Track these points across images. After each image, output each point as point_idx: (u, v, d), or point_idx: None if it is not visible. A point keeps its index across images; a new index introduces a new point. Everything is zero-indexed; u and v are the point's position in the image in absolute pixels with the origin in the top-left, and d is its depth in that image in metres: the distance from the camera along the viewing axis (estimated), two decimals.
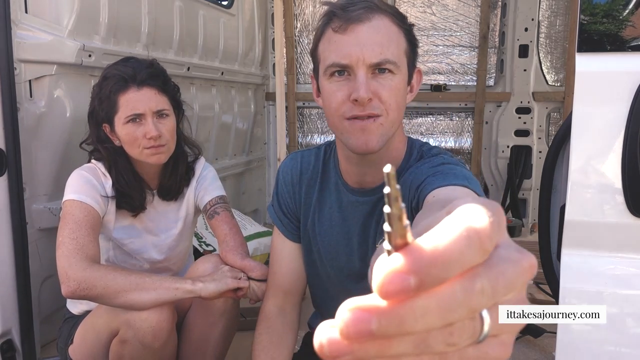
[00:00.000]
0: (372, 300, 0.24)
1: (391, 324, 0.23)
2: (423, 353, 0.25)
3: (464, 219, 0.25)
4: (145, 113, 1.32)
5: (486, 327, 0.26)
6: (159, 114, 1.35)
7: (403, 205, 0.25)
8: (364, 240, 1.03)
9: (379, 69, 0.89)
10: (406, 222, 0.25)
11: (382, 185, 0.87)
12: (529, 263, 0.27)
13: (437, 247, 0.24)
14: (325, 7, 0.94)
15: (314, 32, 3.51)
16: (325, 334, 0.25)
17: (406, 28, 0.93)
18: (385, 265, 0.24)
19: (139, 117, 1.32)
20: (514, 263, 0.26)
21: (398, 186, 0.25)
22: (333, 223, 1.07)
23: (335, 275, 1.11)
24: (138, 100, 1.31)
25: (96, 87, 1.37)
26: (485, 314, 0.26)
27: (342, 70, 0.90)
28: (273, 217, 1.18)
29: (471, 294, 0.24)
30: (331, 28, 0.90)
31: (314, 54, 0.97)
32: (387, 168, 0.25)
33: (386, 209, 0.25)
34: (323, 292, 1.18)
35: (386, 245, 0.25)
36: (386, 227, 0.25)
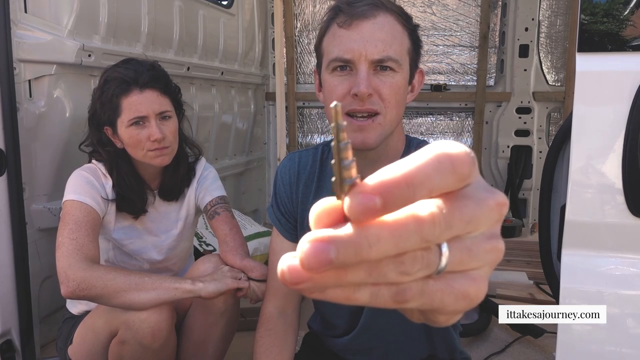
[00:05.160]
0: (329, 231, 0.25)
1: (348, 252, 0.24)
2: (378, 282, 0.26)
3: (436, 148, 0.26)
4: (149, 115, 1.32)
5: (444, 260, 0.26)
6: (162, 116, 1.35)
7: (348, 141, 0.26)
8: None
9: (380, 66, 0.90)
10: (351, 157, 0.26)
11: None
12: (496, 202, 0.27)
13: (402, 169, 0.25)
14: (332, 2, 0.95)
15: (314, 31, 3.50)
16: (287, 262, 0.26)
17: (410, 28, 0.95)
18: (355, 190, 0.25)
19: (142, 119, 1.32)
20: (477, 200, 0.26)
21: (345, 122, 0.26)
22: None
23: None
24: (141, 102, 1.31)
25: (97, 90, 1.36)
26: (445, 247, 0.26)
27: (345, 65, 0.91)
28: (272, 217, 1.18)
29: (422, 223, 0.25)
30: (336, 23, 0.91)
31: (318, 48, 0.98)
32: (334, 104, 0.26)
33: (333, 143, 0.26)
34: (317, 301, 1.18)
35: (333, 179, 0.26)
36: (332, 161, 0.26)
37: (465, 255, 0.27)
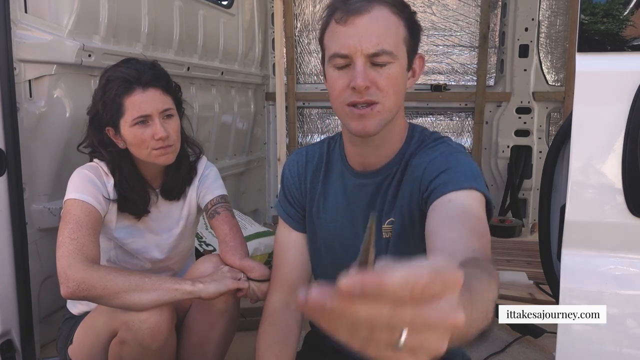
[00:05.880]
0: (331, 291, 0.36)
1: (334, 310, 0.36)
2: (354, 334, 0.37)
3: (415, 270, 0.34)
4: (152, 114, 1.32)
5: (402, 341, 0.36)
6: (165, 115, 1.35)
7: (373, 247, 0.42)
8: (366, 224, 1.04)
9: (376, 58, 0.93)
10: (373, 254, 0.41)
11: (385, 167, 0.96)
12: (453, 322, 0.35)
13: (381, 277, 0.34)
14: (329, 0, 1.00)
15: (314, 31, 3.60)
16: (311, 291, 0.37)
17: (406, 16, 0.98)
18: (350, 275, 0.36)
19: (146, 118, 1.32)
20: (440, 314, 0.35)
21: (373, 238, 0.42)
22: (338, 209, 1.11)
23: (339, 263, 1.13)
24: (144, 101, 1.31)
25: (99, 91, 1.35)
26: (404, 333, 0.35)
27: (344, 60, 0.95)
28: (279, 210, 1.21)
29: (394, 316, 0.35)
30: (334, 19, 0.96)
31: (321, 43, 1.03)
32: (371, 218, 0.42)
33: (363, 246, 0.41)
34: (328, 283, 1.18)
35: (357, 262, 0.40)
36: (360, 252, 0.41)
37: (417, 343, 0.36)
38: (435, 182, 0.94)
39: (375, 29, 0.92)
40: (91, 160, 1.42)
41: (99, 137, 1.39)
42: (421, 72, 1.05)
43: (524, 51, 3.43)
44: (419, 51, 1.04)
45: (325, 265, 1.17)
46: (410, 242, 1.02)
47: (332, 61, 0.96)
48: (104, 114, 1.34)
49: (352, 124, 0.97)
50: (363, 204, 1.08)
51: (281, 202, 1.21)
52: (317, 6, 3.69)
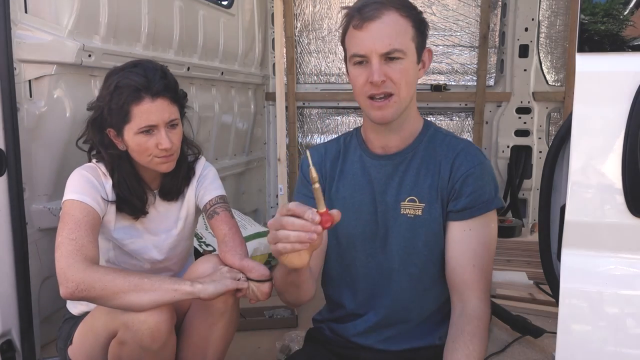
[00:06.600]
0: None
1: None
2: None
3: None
4: (159, 124, 1.32)
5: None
6: (171, 124, 1.35)
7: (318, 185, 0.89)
8: (383, 199, 1.20)
9: (389, 56, 1.09)
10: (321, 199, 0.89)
11: (403, 151, 1.23)
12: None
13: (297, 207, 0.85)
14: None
15: (314, 31, 3.73)
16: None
17: (413, 17, 1.13)
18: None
19: (151, 128, 1.32)
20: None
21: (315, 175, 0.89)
22: (357, 187, 1.25)
23: (354, 240, 1.23)
24: (152, 112, 1.30)
25: (106, 95, 1.33)
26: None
27: (362, 59, 1.11)
28: (298, 197, 1.30)
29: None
30: (352, 25, 1.12)
31: (342, 44, 1.20)
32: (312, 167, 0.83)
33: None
34: (338, 263, 1.27)
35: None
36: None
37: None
38: (467, 199, 1.13)
39: (386, 32, 1.08)
40: (90, 161, 1.42)
41: (99, 137, 1.38)
42: (430, 63, 1.23)
43: (524, 51, 3.43)
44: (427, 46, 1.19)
45: (337, 245, 1.25)
46: (428, 219, 1.17)
47: (353, 59, 1.13)
48: (108, 118, 1.34)
49: (373, 114, 1.14)
50: (382, 180, 1.22)
51: (299, 189, 1.33)
52: (317, 6, 3.68)
